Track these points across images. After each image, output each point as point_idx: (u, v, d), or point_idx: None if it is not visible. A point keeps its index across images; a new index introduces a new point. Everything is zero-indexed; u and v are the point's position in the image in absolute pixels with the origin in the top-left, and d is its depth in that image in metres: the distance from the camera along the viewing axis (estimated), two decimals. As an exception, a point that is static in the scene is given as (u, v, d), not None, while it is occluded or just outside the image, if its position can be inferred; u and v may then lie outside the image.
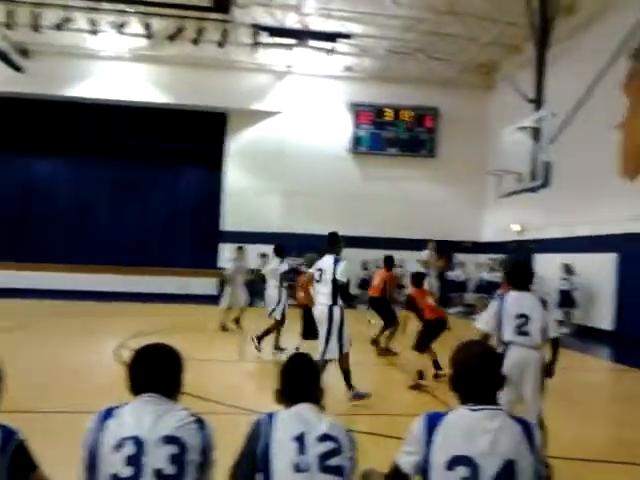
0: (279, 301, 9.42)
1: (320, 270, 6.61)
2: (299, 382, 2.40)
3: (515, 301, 4.63)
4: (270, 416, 2.26)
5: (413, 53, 18.17)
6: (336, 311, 6.41)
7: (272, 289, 9.59)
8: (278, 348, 9.20)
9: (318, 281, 6.61)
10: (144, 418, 2.16)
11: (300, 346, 8.43)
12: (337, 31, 15.91)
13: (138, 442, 2.10)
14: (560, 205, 14.32)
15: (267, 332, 9.32)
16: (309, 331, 8.03)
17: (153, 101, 18.83)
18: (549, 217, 15.11)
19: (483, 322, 4.77)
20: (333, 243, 6.74)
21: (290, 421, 2.24)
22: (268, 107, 19.37)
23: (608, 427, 6.23)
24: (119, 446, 2.09)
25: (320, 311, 6.54)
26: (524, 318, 4.54)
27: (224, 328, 11.76)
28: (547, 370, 4.60)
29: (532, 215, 15.85)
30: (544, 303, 4.68)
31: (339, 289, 6.46)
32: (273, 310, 9.44)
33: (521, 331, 4.53)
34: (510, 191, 10.28)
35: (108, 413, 2.21)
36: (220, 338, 11.31)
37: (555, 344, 4.65)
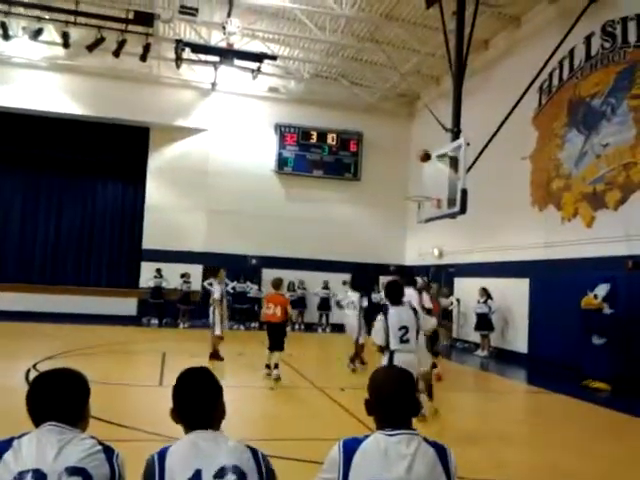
0: (360, 328, 10.65)
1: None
2: (192, 401, 2.18)
3: (396, 315, 5.71)
4: (161, 454, 2.05)
5: (337, 78, 18.57)
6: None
7: (352, 319, 10.87)
8: (362, 362, 10.64)
9: None
10: (46, 449, 2.00)
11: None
12: (263, 52, 16.01)
13: (39, 475, 1.94)
14: (478, 231, 14.89)
15: (356, 354, 10.68)
16: (274, 344, 9.29)
17: (70, 112, 18.05)
18: (468, 242, 15.66)
19: (378, 337, 5.73)
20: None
21: (184, 458, 2.03)
22: (192, 124, 19.12)
23: (520, 448, 6.41)
24: (17, 481, 1.93)
25: None
26: (405, 329, 5.65)
27: (217, 356, 10.66)
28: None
29: (452, 240, 16.37)
30: (415, 312, 5.81)
31: None
32: (361, 335, 10.62)
33: (403, 340, 5.64)
34: (429, 217, 10.58)
35: (5, 444, 2.03)
36: (141, 361, 10.86)
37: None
